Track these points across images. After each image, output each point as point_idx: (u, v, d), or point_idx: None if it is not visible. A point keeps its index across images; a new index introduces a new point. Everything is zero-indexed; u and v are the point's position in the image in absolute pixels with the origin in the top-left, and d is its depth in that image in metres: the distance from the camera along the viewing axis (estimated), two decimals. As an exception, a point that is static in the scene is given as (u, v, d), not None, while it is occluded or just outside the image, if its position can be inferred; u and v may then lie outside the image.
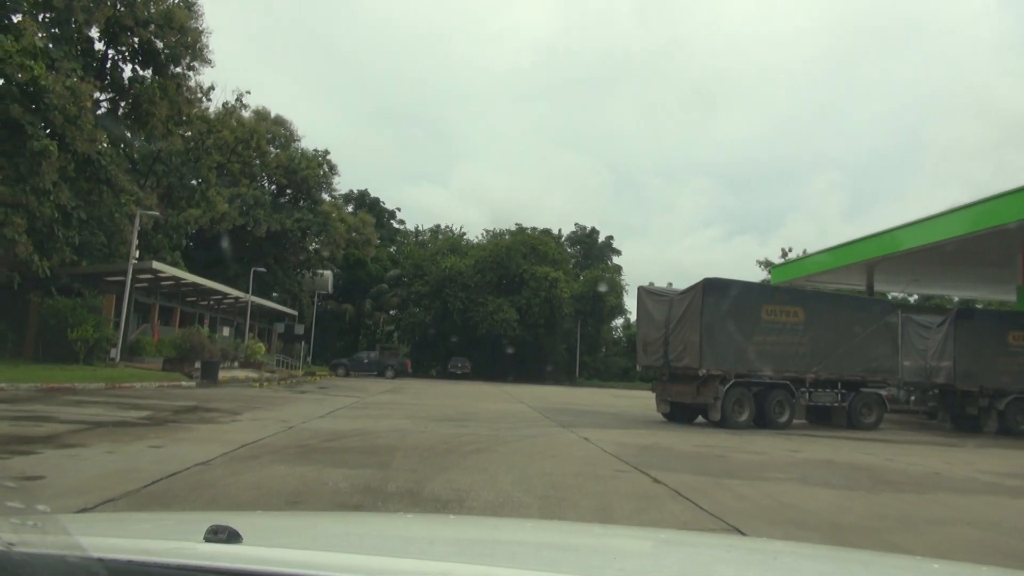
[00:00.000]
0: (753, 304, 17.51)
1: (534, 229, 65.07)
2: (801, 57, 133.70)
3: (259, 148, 37.59)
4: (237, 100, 37.80)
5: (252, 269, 37.51)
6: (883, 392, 19.10)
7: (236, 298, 37.48)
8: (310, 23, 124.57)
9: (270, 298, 48.55)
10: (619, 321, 67.33)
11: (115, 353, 23.17)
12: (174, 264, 35.39)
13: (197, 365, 25.42)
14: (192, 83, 28.65)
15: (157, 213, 26.68)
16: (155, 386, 20.75)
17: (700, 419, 17.98)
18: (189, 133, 35.10)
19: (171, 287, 30.50)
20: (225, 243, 47.99)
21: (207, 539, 1.15)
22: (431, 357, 61.99)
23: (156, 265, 25.69)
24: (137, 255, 24.22)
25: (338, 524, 2.09)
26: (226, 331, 38.44)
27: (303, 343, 45.74)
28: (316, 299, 52.24)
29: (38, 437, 9.14)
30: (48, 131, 21.72)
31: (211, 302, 37.29)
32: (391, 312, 65.67)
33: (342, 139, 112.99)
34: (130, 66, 26.92)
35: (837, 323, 18.07)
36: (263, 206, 48.11)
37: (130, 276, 23.88)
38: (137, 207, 24.82)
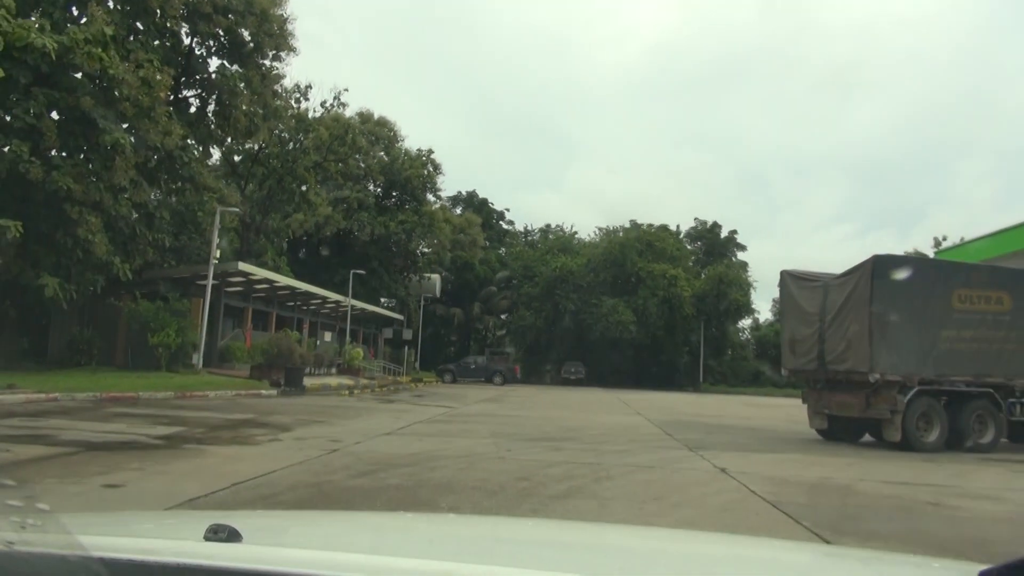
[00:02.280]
0: (941, 288, 13.32)
1: (650, 225, 60.86)
2: (942, 38, 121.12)
3: (354, 144, 36.04)
4: (335, 98, 36.54)
5: (351, 272, 36.00)
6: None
7: (337, 302, 36.11)
8: (420, 31, 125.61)
9: (378, 303, 47.37)
10: (746, 321, 62.01)
11: (197, 359, 21.77)
12: (276, 269, 34.49)
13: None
14: (278, 72, 27.15)
15: (238, 209, 25.27)
16: (230, 395, 18.98)
17: (868, 437, 13.96)
18: (280, 131, 34.03)
19: (266, 291, 29.27)
20: (329, 247, 47.41)
21: (207, 538, 1.14)
22: (543, 362, 59.17)
23: (243, 267, 24.25)
24: (218, 255, 22.78)
25: (338, 523, 2.06)
26: (327, 336, 37.18)
27: (408, 348, 44.00)
28: (422, 303, 50.59)
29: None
30: (126, 126, 20.56)
31: (311, 307, 36.11)
32: (502, 316, 63.48)
33: (452, 146, 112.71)
34: (216, 60, 25.73)
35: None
36: (367, 209, 47.06)
37: (211, 278, 22.46)
38: (219, 204, 23.41)
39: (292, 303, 33.31)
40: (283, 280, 28.79)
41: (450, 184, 72.99)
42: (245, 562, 1.08)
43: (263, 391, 20.42)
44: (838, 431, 14.23)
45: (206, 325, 23.37)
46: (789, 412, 23.56)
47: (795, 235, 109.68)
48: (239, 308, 28.25)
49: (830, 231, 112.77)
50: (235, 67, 25.09)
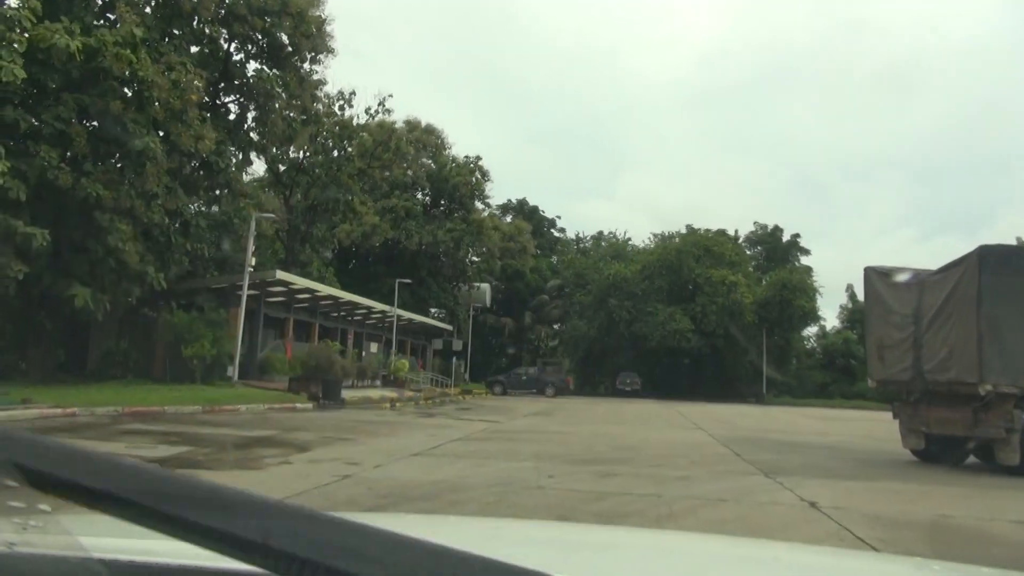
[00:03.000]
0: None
1: (707, 231, 58.42)
2: (1003, 29, 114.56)
3: (399, 150, 35.12)
4: (380, 104, 35.69)
5: (396, 281, 35.01)
6: None
7: (383, 313, 35.17)
8: (466, 42, 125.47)
9: (427, 314, 46.42)
10: (812, 329, 58.87)
11: (233, 371, 20.90)
12: (322, 279, 33.79)
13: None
14: (318, 77, 26.40)
15: (274, 216, 24.43)
16: (262, 409, 17.98)
17: (972, 459, 11.96)
18: (323, 138, 33.38)
19: (308, 301, 28.47)
20: (377, 257, 46.71)
21: None
22: (597, 372, 57.30)
23: (281, 275, 23.40)
24: (253, 262, 21.95)
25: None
26: (374, 348, 36.25)
27: (454, 359, 42.79)
28: (471, 312, 49.47)
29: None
30: (160, 133, 19.92)
31: (355, 317, 35.25)
32: (554, 325, 61.90)
33: (501, 157, 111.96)
34: (254, 65, 25.09)
35: None
36: (415, 217, 46.20)
37: (246, 286, 21.61)
38: (256, 210, 22.61)
39: (336, 313, 32.49)
40: (325, 289, 27.93)
41: (499, 194, 71.95)
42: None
43: (298, 404, 19.39)
44: (937, 452, 12.24)
45: (244, 336, 22.55)
46: (866, 427, 21.40)
47: (855, 240, 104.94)
48: (280, 319, 27.47)
49: (892, 235, 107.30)
50: (273, 71, 24.37)
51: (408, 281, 37.35)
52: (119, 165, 18.95)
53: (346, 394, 23.56)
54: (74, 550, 0.97)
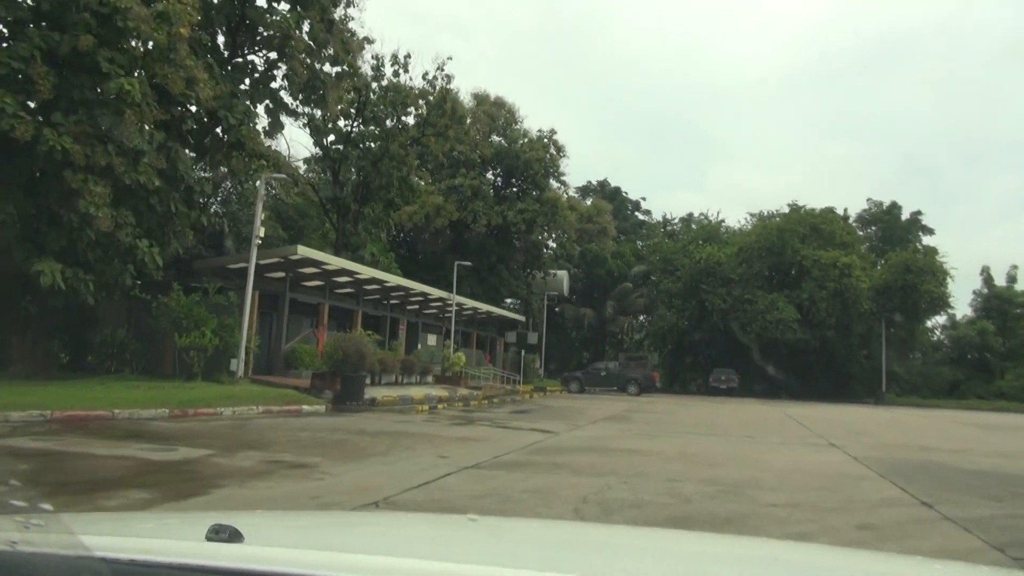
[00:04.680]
0: None
1: (811, 210, 51.54)
2: None
3: (454, 113, 30.98)
4: (438, 69, 31.77)
5: (456, 264, 31.03)
6: None
7: (442, 301, 31.29)
8: (555, 36, 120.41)
9: (499, 303, 42.34)
10: (939, 319, 51.23)
11: (237, 365, 17.32)
12: (374, 264, 30.23)
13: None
14: (349, 26, 22.63)
15: (285, 176, 20.65)
16: (255, 412, 14.24)
17: None
18: (374, 106, 29.80)
19: (349, 285, 24.82)
20: (443, 241, 42.88)
21: (209, 538, 1.14)
22: (688, 368, 51.81)
23: (304, 251, 19.66)
24: (262, 233, 18.25)
25: (339, 524, 2.10)
26: (431, 340, 32.36)
27: (523, 353, 38.38)
28: (546, 302, 45.11)
29: None
30: (152, 79, 16.51)
31: (410, 306, 31.51)
32: (639, 317, 56.70)
33: (584, 149, 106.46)
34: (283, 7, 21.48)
35: None
36: (483, 198, 42.09)
37: (253, 263, 17.95)
38: (270, 171, 18.90)
39: (385, 301, 28.76)
40: (366, 271, 24.18)
41: (579, 181, 67.39)
42: (247, 562, 1.08)
43: (306, 406, 15.56)
44: None
45: (268, 325, 19.05)
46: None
47: (972, 227, 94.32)
48: (313, 305, 23.89)
49: (1017, 221, 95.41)
50: (297, 9, 20.73)
51: (469, 264, 33.34)
52: (93, 114, 15.57)
53: (382, 393, 19.69)
54: (76, 549, 0.97)
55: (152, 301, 18.41)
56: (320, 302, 23.86)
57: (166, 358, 19.50)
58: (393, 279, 26.45)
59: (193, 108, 18.05)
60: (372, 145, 30.99)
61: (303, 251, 19.88)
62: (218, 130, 19.51)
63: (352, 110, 30.42)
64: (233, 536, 1.15)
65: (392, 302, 29.53)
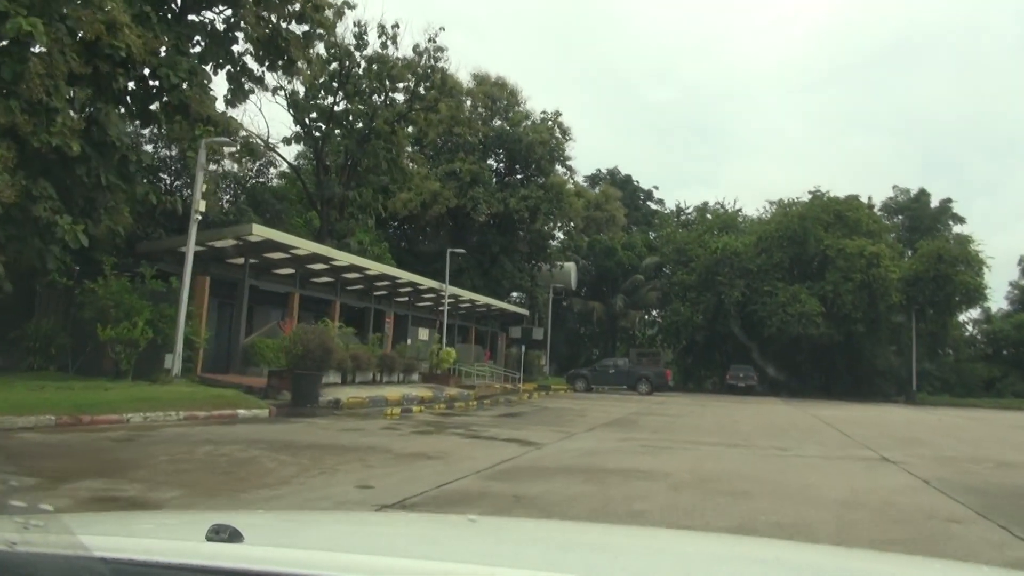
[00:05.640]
0: None
1: (835, 197, 48.27)
2: None
3: (444, 84, 28.19)
4: (429, 40, 29.02)
5: (448, 251, 28.39)
6: None
7: (436, 292, 28.69)
8: (566, 35, 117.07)
9: (502, 297, 39.60)
10: (973, 312, 47.97)
11: (172, 361, 14.76)
12: (361, 252, 27.64)
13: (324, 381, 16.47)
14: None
15: (229, 141, 17.97)
16: (176, 419, 11.69)
17: None
18: (358, 80, 27.20)
19: (327, 273, 22.26)
20: (442, 231, 40.19)
21: (209, 538, 1.13)
22: (703, 365, 48.96)
23: (260, 231, 17.03)
24: (202, 208, 15.62)
25: (339, 524, 2.10)
26: (423, 334, 29.71)
27: (523, 348, 35.55)
28: (551, 295, 42.40)
29: None
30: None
31: (400, 298, 28.93)
32: (652, 312, 53.77)
33: (595, 143, 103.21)
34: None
35: None
36: (484, 184, 39.35)
37: (192, 242, 15.38)
38: (213, 137, 16.26)
39: (370, 291, 26.17)
40: (345, 258, 21.62)
41: (588, 171, 64.49)
42: (247, 562, 1.08)
43: (245, 411, 12.98)
44: None
45: (206, 315, 16.55)
46: None
47: (993, 223, 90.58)
48: (282, 295, 21.34)
49: None
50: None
51: (463, 252, 30.72)
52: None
53: (349, 393, 17.09)
54: (75, 549, 0.96)
55: (72, 288, 15.90)
56: (290, 291, 21.29)
57: (104, 355, 16.95)
58: (376, 267, 23.85)
59: (127, 65, 15.56)
60: (358, 123, 28.40)
61: (260, 231, 17.29)
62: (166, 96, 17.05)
63: (334, 84, 27.85)
64: (233, 536, 1.14)
65: (378, 293, 26.94)
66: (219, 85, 52.85)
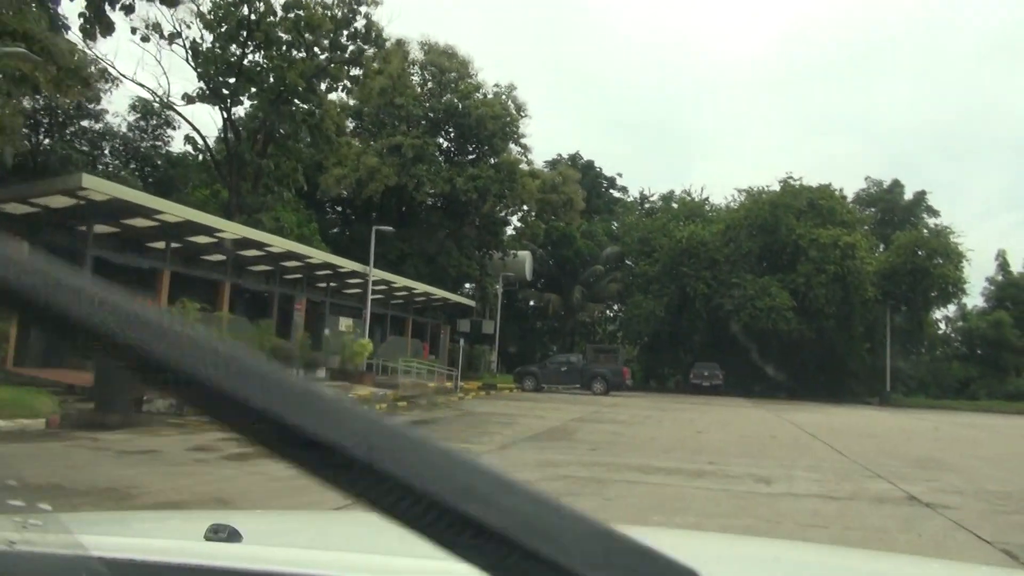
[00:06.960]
0: None
1: (807, 185, 45.36)
2: None
3: (368, 35, 24.36)
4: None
5: (374, 229, 24.66)
6: None
7: (363, 276, 24.95)
8: (539, 36, 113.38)
9: (450, 289, 35.80)
10: (949, 308, 45.57)
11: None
12: (278, 231, 23.78)
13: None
14: None
15: (23, 49, 13.84)
16: None
17: None
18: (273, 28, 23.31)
19: (214, 248, 18.41)
20: (383, 212, 36.29)
21: (208, 538, 1.13)
22: (666, 363, 45.86)
23: (90, 181, 13.16)
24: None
25: (339, 523, 2.06)
26: (343, 326, 25.87)
27: (461, 342, 31.94)
28: (501, 286, 38.86)
29: None
30: None
31: (318, 283, 25.12)
32: (612, 306, 50.59)
33: (564, 143, 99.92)
34: None
35: None
36: (427, 160, 35.56)
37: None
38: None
39: (277, 273, 22.28)
40: (234, 229, 17.86)
41: (532, 124, 61.05)
42: (246, 562, 1.08)
43: (27, 420, 9.16)
44: None
45: None
46: None
47: (956, 226, 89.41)
48: (150, 272, 17.41)
49: (996, 220, 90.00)
50: None
51: (389, 229, 27.04)
52: None
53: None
54: (74, 549, 0.96)
55: None
56: (159, 267, 17.37)
57: None
58: (280, 243, 20.05)
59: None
60: (270, 78, 24.50)
61: (94, 183, 13.36)
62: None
63: (242, 33, 23.90)
64: (232, 536, 1.13)
65: (289, 276, 23.07)
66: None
